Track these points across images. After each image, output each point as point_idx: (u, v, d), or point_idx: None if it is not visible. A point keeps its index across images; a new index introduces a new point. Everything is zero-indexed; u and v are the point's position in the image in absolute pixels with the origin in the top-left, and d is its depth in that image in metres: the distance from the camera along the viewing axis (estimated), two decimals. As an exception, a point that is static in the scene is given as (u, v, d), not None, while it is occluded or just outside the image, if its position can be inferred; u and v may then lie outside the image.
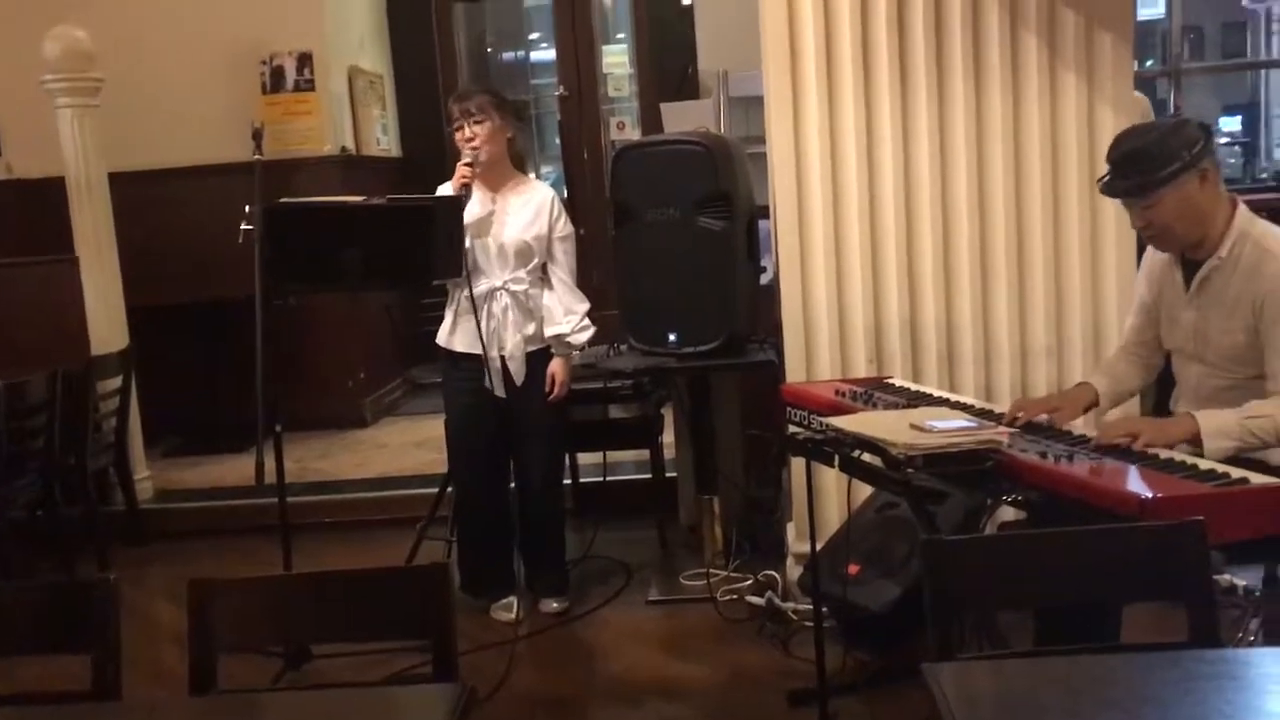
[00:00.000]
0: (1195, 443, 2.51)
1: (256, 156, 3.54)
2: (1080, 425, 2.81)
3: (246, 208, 3.40)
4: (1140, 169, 2.59)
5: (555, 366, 3.83)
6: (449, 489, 4.06)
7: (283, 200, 3.56)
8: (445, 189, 3.80)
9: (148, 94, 5.96)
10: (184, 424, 6.05)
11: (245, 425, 3.64)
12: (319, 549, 4.39)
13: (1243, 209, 2.69)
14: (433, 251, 3.61)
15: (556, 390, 3.83)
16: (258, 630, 2.10)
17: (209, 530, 4.94)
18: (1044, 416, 2.77)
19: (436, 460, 4.92)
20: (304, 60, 6.24)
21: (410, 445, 5.96)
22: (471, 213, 3.68)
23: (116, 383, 4.98)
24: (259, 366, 3.35)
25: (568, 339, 3.80)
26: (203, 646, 1.94)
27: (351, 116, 6.60)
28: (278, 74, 6.25)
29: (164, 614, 4.09)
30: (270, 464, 3.44)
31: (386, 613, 2.02)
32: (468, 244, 3.65)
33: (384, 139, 7.02)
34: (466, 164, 3.69)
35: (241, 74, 6.21)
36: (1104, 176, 2.71)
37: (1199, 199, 2.62)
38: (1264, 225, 2.68)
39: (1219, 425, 2.50)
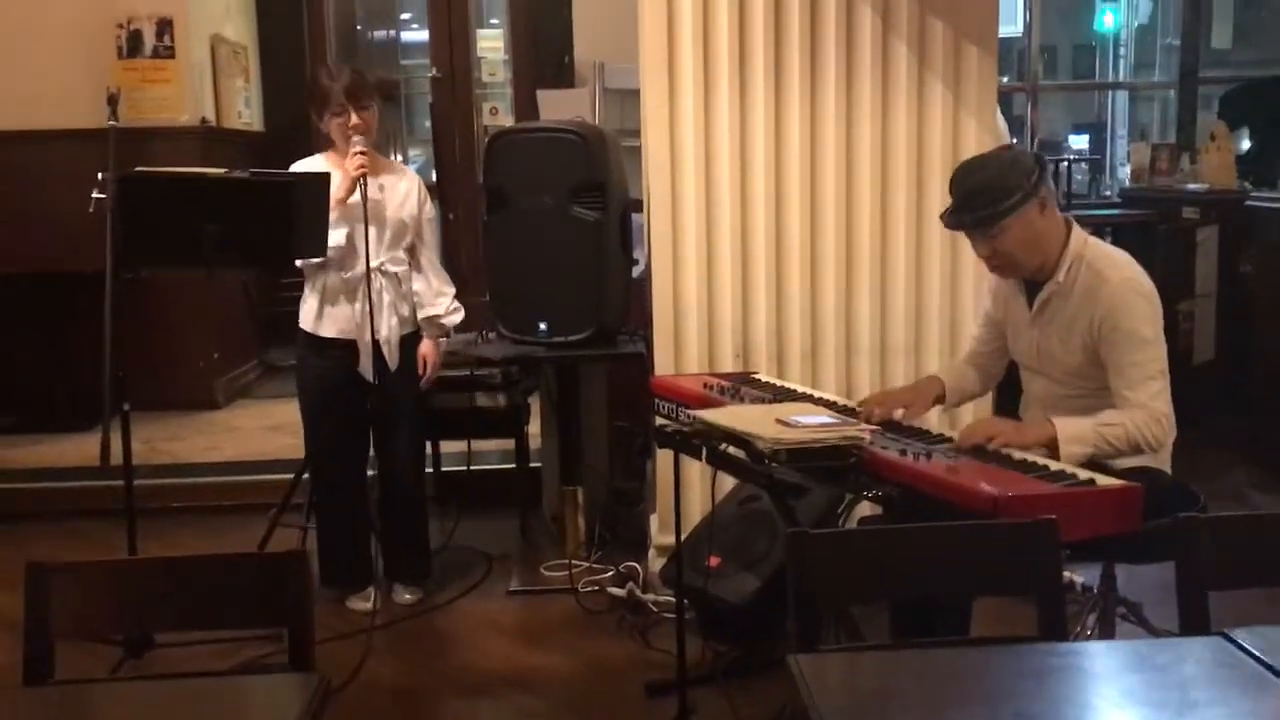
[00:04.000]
0: (1051, 447, 2.59)
1: (111, 123, 3.37)
2: (934, 420, 2.90)
3: (100, 175, 3.24)
4: (985, 203, 2.67)
5: (427, 349, 3.79)
6: (304, 476, 3.95)
7: (139, 169, 3.40)
8: (303, 165, 3.69)
9: (-7, 51, 5.64)
10: (20, 401, 5.72)
11: (89, 404, 3.47)
12: (166, 534, 4.21)
13: (1076, 230, 2.79)
14: (296, 230, 3.49)
15: (429, 372, 3.79)
16: (99, 617, 2.00)
17: (47, 513, 4.68)
18: (899, 412, 2.85)
19: (291, 445, 4.78)
20: (164, 25, 5.96)
21: (264, 429, 5.77)
22: (353, 196, 3.57)
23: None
24: (107, 342, 3.20)
25: (441, 320, 3.77)
26: (39, 634, 1.83)
27: (213, 87, 6.34)
28: (135, 38, 5.96)
29: (-4, 600, 3.87)
30: (116, 444, 3.29)
31: (239, 600, 1.95)
32: (347, 228, 3.56)
33: (246, 112, 6.77)
34: (362, 152, 3.57)
35: (97, 37, 5.89)
36: (948, 210, 2.79)
37: (1039, 226, 2.72)
38: (1095, 246, 2.80)
39: (1075, 432, 2.61)
